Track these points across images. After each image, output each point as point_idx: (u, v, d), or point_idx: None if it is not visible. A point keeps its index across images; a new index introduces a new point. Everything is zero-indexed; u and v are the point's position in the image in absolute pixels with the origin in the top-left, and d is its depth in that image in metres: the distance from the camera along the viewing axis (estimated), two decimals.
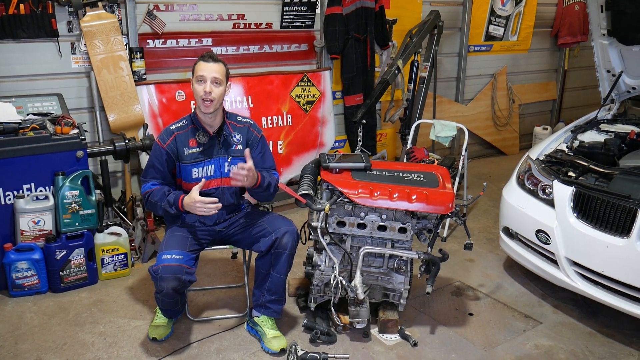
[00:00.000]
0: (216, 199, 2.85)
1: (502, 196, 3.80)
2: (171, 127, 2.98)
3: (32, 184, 3.50)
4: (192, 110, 3.03)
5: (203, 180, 2.90)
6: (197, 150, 2.96)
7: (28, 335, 3.08)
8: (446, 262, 3.25)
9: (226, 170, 3.01)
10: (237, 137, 3.06)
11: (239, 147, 3.06)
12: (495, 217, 4.56)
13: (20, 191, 3.47)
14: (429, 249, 3.10)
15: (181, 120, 3.01)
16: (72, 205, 3.49)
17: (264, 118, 4.88)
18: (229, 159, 3.03)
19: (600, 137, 3.91)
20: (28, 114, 3.72)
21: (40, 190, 3.51)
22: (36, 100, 3.91)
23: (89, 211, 3.57)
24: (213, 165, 3.01)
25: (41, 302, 3.42)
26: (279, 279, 2.99)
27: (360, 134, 4.79)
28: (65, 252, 3.47)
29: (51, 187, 3.53)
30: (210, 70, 2.85)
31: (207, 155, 2.99)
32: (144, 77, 4.35)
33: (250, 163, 2.84)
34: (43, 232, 3.48)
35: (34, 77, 4.05)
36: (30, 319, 3.23)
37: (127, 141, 3.82)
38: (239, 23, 4.79)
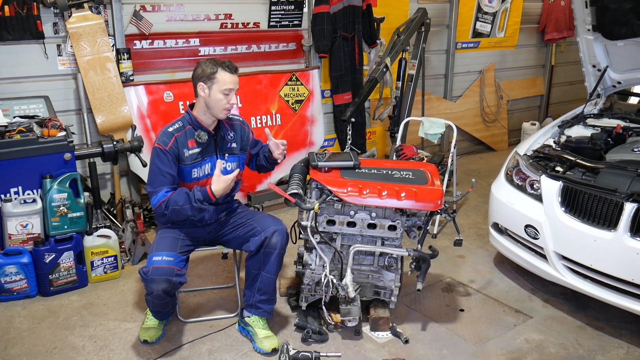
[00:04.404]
0: (236, 171, 2.96)
1: (491, 192, 3.82)
2: (169, 129, 2.94)
3: (20, 187, 3.47)
4: (186, 112, 3.01)
5: (219, 162, 2.95)
6: (196, 150, 2.96)
7: (18, 339, 3.06)
8: (436, 259, 3.26)
9: (223, 168, 3.03)
10: (232, 134, 3.10)
11: (234, 145, 3.10)
12: (484, 213, 4.59)
13: (8, 195, 3.44)
14: (419, 246, 3.11)
15: (177, 122, 2.98)
16: (61, 208, 3.46)
17: (253, 118, 4.88)
18: (226, 157, 3.06)
19: (587, 132, 3.94)
20: (14, 117, 3.69)
21: (28, 194, 3.49)
22: (22, 102, 3.88)
23: (78, 214, 3.54)
24: (210, 164, 3.02)
25: (30, 306, 3.40)
26: (269, 278, 2.99)
27: (350, 133, 4.79)
28: (54, 255, 3.45)
29: (39, 190, 3.51)
30: (236, 83, 2.91)
31: (205, 155, 3.00)
32: (131, 78, 4.34)
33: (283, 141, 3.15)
34: (31, 235, 3.46)
35: (20, 80, 4.01)
36: (19, 323, 3.21)
37: (115, 143, 3.80)
38: (227, 23, 4.78)
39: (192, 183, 2.99)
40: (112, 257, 3.70)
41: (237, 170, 2.96)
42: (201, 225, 3.06)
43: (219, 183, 2.86)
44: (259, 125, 4.92)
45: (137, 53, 4.42)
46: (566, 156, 3.47)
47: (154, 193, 2.88)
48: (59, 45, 4.10)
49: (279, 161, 3.19)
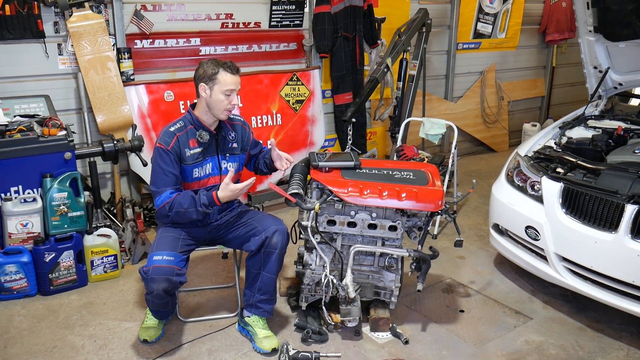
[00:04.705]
0: (253, 179, 2.93)
1: (491, 193, 3.81)
2: (170, 129, 2.94)
3: (20, 186, 3.47)
4: (187, 112, 3.01)
5: (232, 171, 2.95)
6: (198, 150, 2.97)
7: (17, 338, 3.05)
8: (437, 260, 3.25)
9: (223, 168, 3.05)
10: (233, 134, 3.10)
11: (235, 144, 3.11)
12: (485, 214, 4.58)
13: (8, 193, 3.44)
14: (420, 246, 3.11)
15: (178, 122, 2.98)
16: (61, 207, 3.46)
17: (253, 117, 4.88)
18: (227, 157, 3.07)
19: (588, 133, 3.94)
20: (15, 116, 3.69)
21: (28, 193, 3.48)
22: (23, 101, 3.88)
23: (78, 213, 3.54)
24: (211, 164, 3.02)
25: (30, 305, 3.39)
26: (270, 278, 2.99)
27: (350, 133, 4.79)
28: (54, 254, 3.45)
29: (39, 189, 3.50)
30: (238, 83, 2.91)
31: (206, 154, 3.00)
32: (132, 77, 4.33)
33: (287, 155, 3.13)
34: (31, 234, 3.45)
35: (21, 79, 4.01)
36: (19, 323, 3.21)
37: (115, 142, 3.79)
38: (228, 22, 4.77)
39: (193, 183, 2.99)
40: (112, 257, 3.70)
41: (251, 180, 2.92)
42: (202, 224, 3.06)
43: (227, 191, 2.87)
44: (260, 125, 4.92)
45: (138, 52, 4.41)
46: (567, 157, 3.46)
47: (158, 193, 2.88)
48: (59, 45, 4.10)
49: (280, 170, 3.18)
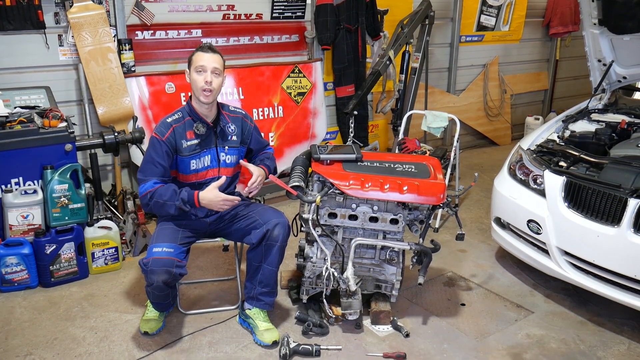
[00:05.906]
0: (238, 197, 2.94)
1: (493, 186, 3.80)
2: (167, 120, 2.94)
3: (21, 178, 3.47)
4: (186, 103, 3.01)
5: (223, 177, 2.96)
6: (195, 142, 2.96)
7: (18, 330, 3.06)
8: (438, 253, 3.25)
9: (222, 160, 3.04)
10: (232, 127, 3.09)
11: (234, 137, 3.09)
12: (487, 208, 4.57)
13: (9, 185, 3.44)
14: (421, 239, 3.10)
15: (176, 113, 2.98)
16: (62, 199, 3.46)
17: (255, 110, 4.86)
18: (226, 149, 3.06)
19: (591, 127, 3.91)
20: (15, 107, 3.68)
21: (29, 184, 3.48)
22: (23, 93, 3.87)
23: (79, 205, 3.53)
24: (209, 156, 3.01)
25: (31, 297, 3.40)
26: (271, 271, 2.98)
27: (352, 125, 4.77)
28: (55, 246, 3.45)
29: (40, 181, 3.50)
30: (210, 60, 2.88)
31: (204, 146, 2.99)
32: (133, 69, 4.31)
33: (255, 175, 3.00)
34: (32, 226, 3.45)
35: (21, 70, 4.00)
36: (20, 314, 3.21)
37: (116, 134, 3.79)
38: (229, 14, 4.75)
39: (191, 175, 2.98)
40: (113, 249, 3.70)
41: (237, 199, 2.92)
42: (201, 216, 3.05)
43: (209, 193, 2.85)
44: (261, 118, 4.90)
45: (139, 44, 4.39)
46: (570, 151, 3.45)
47: (143, 181, 2.88)
48: (60, 36, 4.08)
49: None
